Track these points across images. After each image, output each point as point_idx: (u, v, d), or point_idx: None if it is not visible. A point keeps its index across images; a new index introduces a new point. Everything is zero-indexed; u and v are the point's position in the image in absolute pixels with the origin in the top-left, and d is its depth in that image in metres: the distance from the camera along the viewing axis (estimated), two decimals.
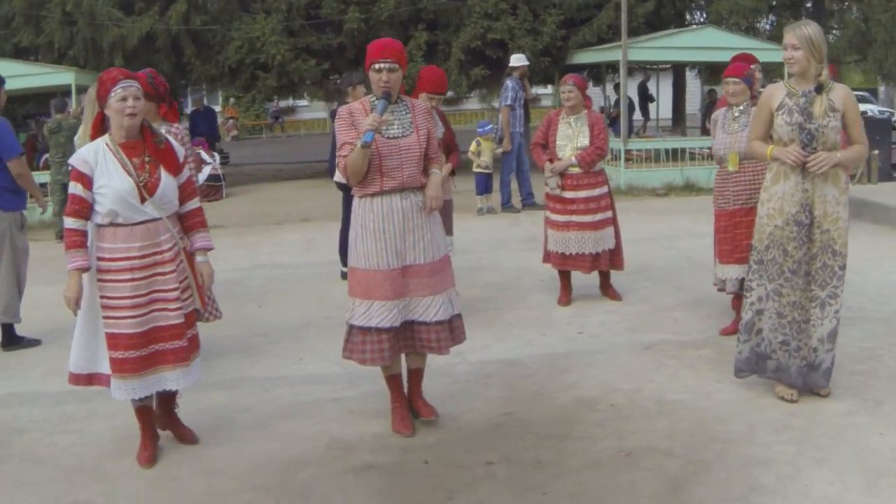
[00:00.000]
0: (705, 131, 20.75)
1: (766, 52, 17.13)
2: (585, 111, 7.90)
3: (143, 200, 4.67)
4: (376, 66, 4.95)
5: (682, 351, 6.57)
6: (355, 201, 5.14)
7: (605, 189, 7.88)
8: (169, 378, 4.83)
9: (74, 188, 4.65)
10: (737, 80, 6.71)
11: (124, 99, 4.61)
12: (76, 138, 7.86)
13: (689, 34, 17.45)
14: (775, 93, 5.43)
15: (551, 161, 7.84)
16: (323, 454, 4.98)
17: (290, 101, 36.82)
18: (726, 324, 7.09)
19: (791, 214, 5.32)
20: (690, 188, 16.05)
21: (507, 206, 13.52)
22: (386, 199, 5.02)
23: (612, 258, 7.98)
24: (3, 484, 4.75)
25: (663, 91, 23.87)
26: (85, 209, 4.66)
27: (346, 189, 9.46)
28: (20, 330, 7.42)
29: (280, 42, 17.27)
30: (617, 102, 19.46)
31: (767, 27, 21.47)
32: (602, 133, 7.81)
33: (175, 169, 4.86)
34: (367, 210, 5.04)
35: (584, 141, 7.74)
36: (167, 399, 5.18)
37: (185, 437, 5.21)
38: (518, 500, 4.37)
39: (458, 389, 5.92)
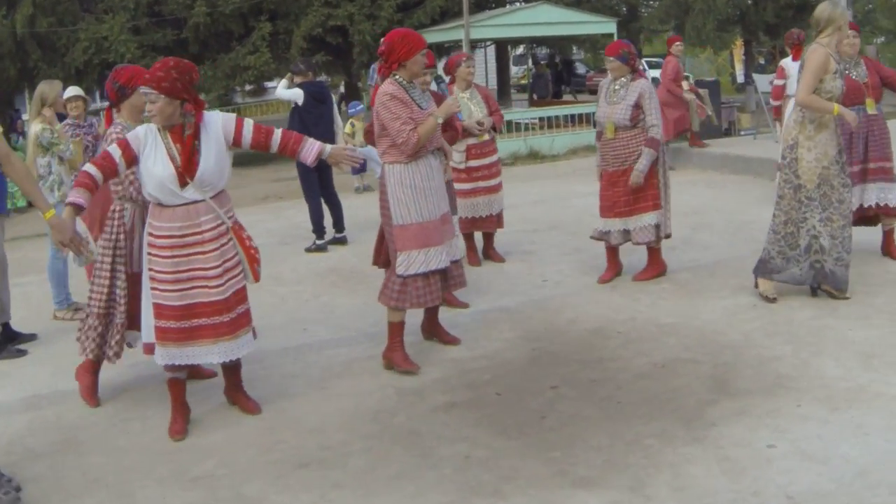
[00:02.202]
0: (534, 103, 21.98)
1: (594, 25, 18.45)
2: (474, 86, 8.60)
3: (183, 185, 4.94)
4: (424, 51, 5.84)
5: (644, 286, 7.45)
6: (398, 168, 5.81)
7: (496, 156, 8.68)
8: (211, 351, 5.15)
9: (114, 150, 4.93)
10: (612, 58, 7.42)
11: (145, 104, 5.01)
12: (33, 134, 7.92)
13: (525, 11, 18.49)
14: (827, 59, 6.43)
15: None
16: (400, 401, 5.48)
17: (98, 103, 35.74)
18: (666, 258, 8.02)
19: (833, 156, 6.55)
20: (535, 156, 17.09)
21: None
22: (428, 160, 5.91)
23: (498, 219, 8.77)
24: (114, 472, 4.84)
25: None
26: (107, 168, 4.91)
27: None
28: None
29: (128, 41, 17.22)
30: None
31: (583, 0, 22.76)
32: (496, 104, 8.65)
33: (234, 140, 5.10)
34: (414, 172, 5.82)
35: (484, 111, 8.43)
36: (233, 373, 5.53)
37: (251, 408, 5.50)
38: (601, 410, 5.08)
39: (476, 335, 6.55)
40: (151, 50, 17.70)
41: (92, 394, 5.90)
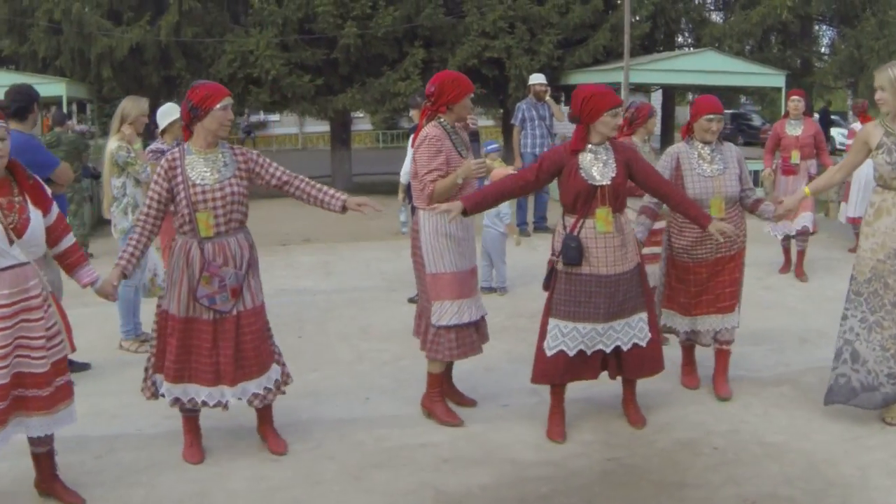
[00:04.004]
0: None
1: (763, 77, 17.27)
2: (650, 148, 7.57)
3: (10, 243, 4.34)
4: (472, 95, 5.74)
5: (761, 389, 6.43)
6: (434, 216, 5.53)
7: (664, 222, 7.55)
8: (30, 424, 4.55)
9: None
10: (719, 116, 6.03)
11: None
12: (108, 151, 7.46)
13: (689, 57, 17.46)
14: (874, 131, 5.61)
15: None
16: None
17: (261, 116, 36.39)
18: (789, 358, 7.01)
19: (893, 249, 5.49)
20: None
21: (520, 227, 13.30)
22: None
23: None
24: None
25: None
26: None
27: None
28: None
29: (274, 56, 16.98)
30: None
31: (753, 51, 21.55)
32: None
33: (45, 206, 4.56)
34: (443, 221, 5.49)
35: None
36: (45, 462, 4.85)
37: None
38: None
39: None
40: (299, 68, 17.40)
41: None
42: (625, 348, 5.47)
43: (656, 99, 24.51)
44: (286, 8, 17.20)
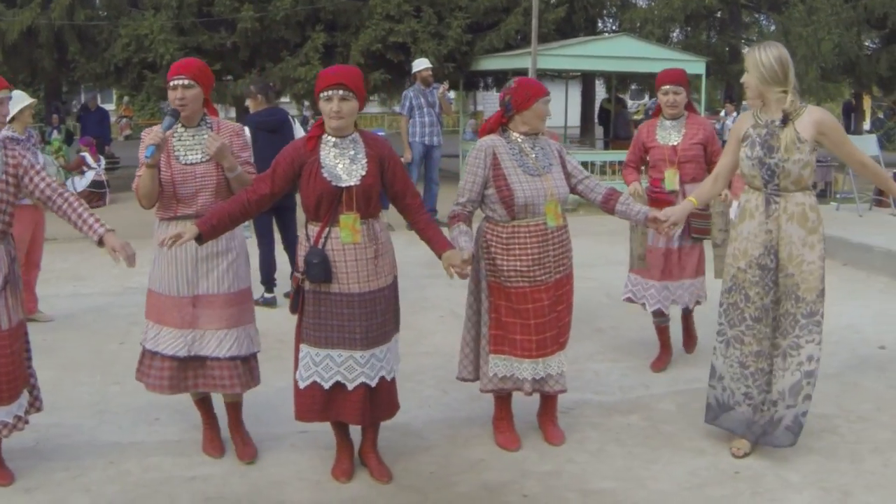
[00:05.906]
0: (615, 144, 20.16)
1: (681, 63, 16.54)
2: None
3: None
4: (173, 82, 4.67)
5: (605, 417, 5.64)
6: (155, 223, 4.87)
7: None
8: None
9: None
10: (547, 98, 4.95)
11: None
12: None
13: (603, 42, 16.70)
14: (745, 121, 4.95)
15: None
16: None
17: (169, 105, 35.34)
18: (651, 378, 6.30)
19: (754, 257, 4.90)
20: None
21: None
22: (180, 225, 4.56)
23: None
24: None
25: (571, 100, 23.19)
26: None
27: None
28: None
29: (169, 41, 16.07)
30: None
31: (681, 37, 20.90)
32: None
33: None
34: (164, 234, 4.53)
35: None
36: None
37: None
38: None
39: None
40: (196, 52, 16.41)
41: None
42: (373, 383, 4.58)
43: (575, 87, 23.71)
44: None
